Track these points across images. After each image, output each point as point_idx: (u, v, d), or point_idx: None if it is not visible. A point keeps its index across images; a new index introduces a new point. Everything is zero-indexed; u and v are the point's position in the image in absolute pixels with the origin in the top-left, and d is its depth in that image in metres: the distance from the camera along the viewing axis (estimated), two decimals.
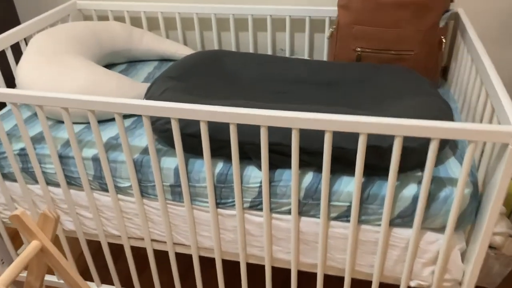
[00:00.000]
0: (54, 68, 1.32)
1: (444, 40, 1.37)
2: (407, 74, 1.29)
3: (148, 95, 1.25)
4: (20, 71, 1.34)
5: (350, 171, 1.09)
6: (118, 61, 1.71)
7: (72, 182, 1.26)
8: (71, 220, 1.35)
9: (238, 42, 1.83)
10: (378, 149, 1.03)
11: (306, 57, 1.73)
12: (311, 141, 1.06)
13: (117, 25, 1.67)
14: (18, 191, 1.35)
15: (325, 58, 1.72)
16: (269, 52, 1.76)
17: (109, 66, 1.70)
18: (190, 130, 1.12)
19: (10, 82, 1.63)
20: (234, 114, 0.99)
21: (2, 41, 1.47)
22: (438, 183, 1.05)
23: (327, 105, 1.25)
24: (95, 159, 1.21)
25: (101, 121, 1.34)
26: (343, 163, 1.07)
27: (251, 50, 1.77)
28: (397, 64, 1.39)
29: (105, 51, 1.60)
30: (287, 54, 1.75)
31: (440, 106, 1.12)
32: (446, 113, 1.10)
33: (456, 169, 1.09)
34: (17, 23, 2.01)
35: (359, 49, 1.41)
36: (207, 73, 1.36)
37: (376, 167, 1.06)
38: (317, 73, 1.36)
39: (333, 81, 1.34)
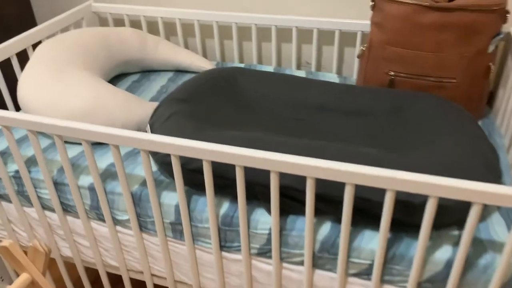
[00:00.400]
0: (56, 85, 1.21)
1: (492, 68, 1.19)
2: (448, 107, 1.12)
3: (154, 119, 1.13)
4: (21, 85, 1.25)
5: (374, 225, 0.94)
6: (131, 71, 1.60)
7: (68, 209, 1.16)
8: (68, 246, 1.25)
9: (261, 53, 1.69)
10: (408, 204, 0.88)
11: (334, 72, 1.58)
12: (328, 188, 0.92)
13: (131, 32, 1.55)
14: (14, 213, 1.26)
15: (355, 75, 1.56)
16: (293, 65, 1.62)
17: (121, 76, 1.60)
18: (193, 166, 1.00)
19: (16, 92, 1.55)
20: (241, 156, 0.86)
21: (7, 48, 1.38)
22: (478, 246, 0.89)
23: (352, 140, 1.10)
24: (92, 189, 1.11)
25: (103, 144, 1.24)
26: (366, 215, 0.93)
27: (273, 62, 1.63)
28: (435, 93, 1.22)
29: (116, 60, 1.50)
30: (313, 69, 1.60)
31: (485, 154, 0.95)
32: (492, 165, 0.93)
33: (501, 230, 0.92)
34: (34, 24, 1.93)
35: (392, 73, 1.25)
36: (219, 95, 1.23)
37: (404, 223, 0.91)
38: (343, 99, 1.21)
39: (361, 110, 1.19)
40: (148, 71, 1.63)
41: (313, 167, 0.82)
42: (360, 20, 1.46)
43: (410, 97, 1.17)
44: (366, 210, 0.92)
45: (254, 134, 1.01)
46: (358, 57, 1.35)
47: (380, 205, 0.88)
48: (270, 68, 1.60)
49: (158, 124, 1.10)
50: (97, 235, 1.19)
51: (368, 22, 1.44)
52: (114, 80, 1.57)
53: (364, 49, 1.32)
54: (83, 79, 1.24)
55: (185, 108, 1.14)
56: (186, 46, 1.77)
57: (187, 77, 1.58)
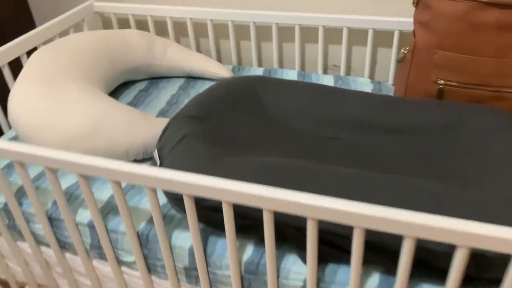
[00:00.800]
0: (51, 102, 1.05)
1: None
2: None
3: (162, 143, 0.96)
4: (12, 101, 1.09)
5: (436, 278, 0.76)
6: (137, 78, 1.43)
7: (66, 246, 1.01)
8: (68, 284, 1.10)
9: (282, 54, 1.50)
10: (481, 258, 0.70)
11: (366, 77, 1.39)
12: (380, 235, 0.74)
13: (137, 35, 1.38)
14: (7, 247, 1.11)
15: (390, 80, 1.37)
16: (320, 69, 1.43)
17: (127, 83, 1.43)
18: (209, 203, 0.83)
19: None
20: (270, 200, 0.69)
21: None
22: None
23: (400, 166, 0.92)
24: (92, 226, 0.95)
25: None
26: (425, 267, 0.75)
27: (297, 65, 1.44)
28: (493, 105, 1.03)
29: (121, 68, 1.33)
30: (342, 73, 1.42)
31: None
32: None
33: None
34: (32, 26, 1.76)
35: (441, 81, 1.06)
36: (238, 111, 1.05)
37: (474, 279, 0.74)
38: (384, 113, 1.02)
39: (407, 127, 1.00)
40: (156, 78, 1.46)
41: (363, 216, 0.65)
42: (397, 18, 1.27)
43: (466, 111, 0.98)
44: (425, 261, 0.74)
45: (282, 162, 0.84)
46: (399, 61, 1.16)
47: (443, 256, 0.70)
48: (293, 73, 1.42)
49: (167, 149, 0.93)
50: (100, 275, 1.03)
51: (407, 19, 1.25)
52: (119, 88, 1.40)
53: (406, 52, 1.13)
54: (82, 95, 1.08)
55: (199, 128, 0.97)
56: (198, 49, 1.59)
57: (200, 84, 1.41)
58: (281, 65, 1.51)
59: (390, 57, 1.38)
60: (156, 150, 0.96)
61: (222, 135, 0.98)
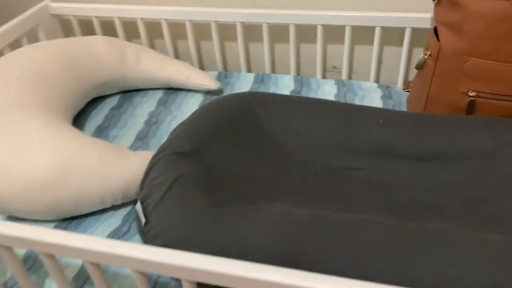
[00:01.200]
0: (2, 140, 0.84)
1: None
2: None
3: (146, 191, 0.77)
4: None
5: None
6: (107, 93, 1.22)
7: None
8: None
9: (273, 56, 1.31)
10: None
11: (371, 80, 1.22)
12: None
13: (103, 44, 1.17)
14: None
15: (399, 84, 1.21)
16: (318, 73, 1.25)
17: (96, 100, 1.22)
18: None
19: None
20: None
21: None
22: None
23: (443, 206, 0.76)
24: None
25: (79, 217, 0.88)
26: None
27: (292, 66, 1.26)
28: None
29: (87, 86, 1.12)
30: (344, 76, 1.24)
31: None
32: None
33: None
34: None
35: (473, 93, 0.90)
36: (236, 141, 0.87)
37: None
38: (413, 137, 0.86)
39: (438, 153, 0.84)
40: (130, 91, 1.25)
41: None
42: (410, 13, 1.10)
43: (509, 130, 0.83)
44: None
45: (305, 217, 0.67)
46: (418, 68, 0.99)
47: None
48: (289, 78, 1.24)
49: (153, 200, 0.75)
50: None
51: (422, 15, 1.09)
52: (86, 107, 1.19)
53: (427, 57, 0.96)
54: (42, 129, 0.87)
55: (191, 168, 0.79)
56: (176, 53, 1.38)
57: (182, 97, 1.21)
58: (273, 69, 1.32)
59: (398, 57, 1.20)
60: (139, 202, 0.77)
61: (221, 175, 0.81)
